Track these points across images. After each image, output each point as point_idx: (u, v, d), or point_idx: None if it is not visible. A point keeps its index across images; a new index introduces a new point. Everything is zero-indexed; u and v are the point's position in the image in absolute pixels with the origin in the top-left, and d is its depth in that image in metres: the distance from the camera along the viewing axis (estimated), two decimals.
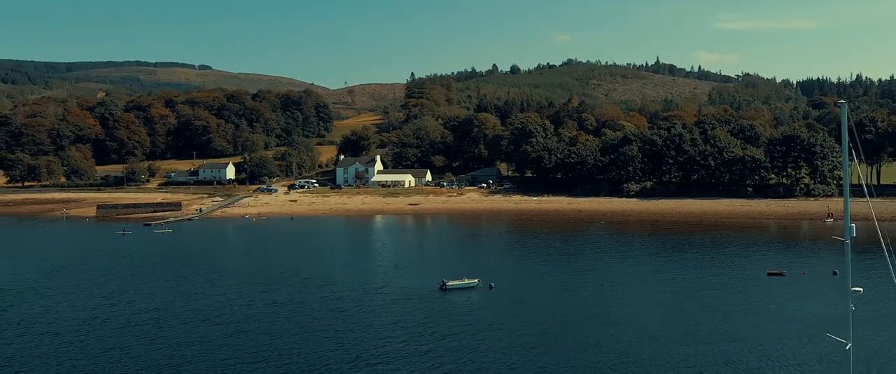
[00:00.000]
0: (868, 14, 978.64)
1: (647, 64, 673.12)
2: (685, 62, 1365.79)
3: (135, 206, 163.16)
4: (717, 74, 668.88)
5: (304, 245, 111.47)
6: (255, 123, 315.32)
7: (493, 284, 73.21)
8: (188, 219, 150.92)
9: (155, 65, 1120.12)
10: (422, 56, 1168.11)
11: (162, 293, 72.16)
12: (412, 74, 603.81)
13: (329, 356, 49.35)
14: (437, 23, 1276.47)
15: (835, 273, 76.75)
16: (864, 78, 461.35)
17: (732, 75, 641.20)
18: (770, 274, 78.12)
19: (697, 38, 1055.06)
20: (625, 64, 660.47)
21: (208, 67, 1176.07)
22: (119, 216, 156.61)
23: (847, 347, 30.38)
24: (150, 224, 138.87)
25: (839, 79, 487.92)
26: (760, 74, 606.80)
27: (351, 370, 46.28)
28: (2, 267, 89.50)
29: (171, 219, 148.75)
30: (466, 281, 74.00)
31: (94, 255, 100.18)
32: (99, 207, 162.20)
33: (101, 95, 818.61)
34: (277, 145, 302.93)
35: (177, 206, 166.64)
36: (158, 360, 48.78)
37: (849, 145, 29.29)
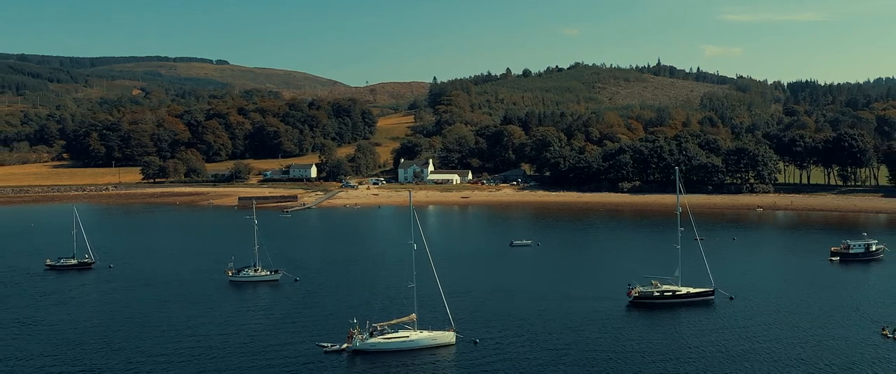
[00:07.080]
0: (872, 6, 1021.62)
1: (648, 65, 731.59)
2: (690, 58, 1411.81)
3: (264, 198, 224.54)
4: (714, 74, 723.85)
5: (405, 224, 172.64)
6: (314, 128, 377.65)
7: (539, 243, 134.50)
8: (306, 208, 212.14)
9: (174, 60, 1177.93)
10: (436, 50, 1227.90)
11: (353, 246, 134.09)
12: (434, 78, 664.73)
13: (463, 269, 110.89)
14: (449, 16, 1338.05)
15: (734, 239, 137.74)
16: (835, 85, 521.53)
17: (729, 76, 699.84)
18: (696, 239, 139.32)
19: (703, 31, 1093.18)
20: (628, 66, 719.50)
21: (225, 62, 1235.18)
22: (256, 206, 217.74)
23: (677, 246, 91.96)
24: (286, 211, 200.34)
25: (817, 83, 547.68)
26: (761, 71, 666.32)
27: (478, 273, 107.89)
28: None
29: (296, 208, 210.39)
30: (524, 241, 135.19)
31: (282, 231, 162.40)
32: (240, 198, 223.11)
33: (136, 92, 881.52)
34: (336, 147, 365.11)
35: (293, 198, 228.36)
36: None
37: (680, 193, 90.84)
